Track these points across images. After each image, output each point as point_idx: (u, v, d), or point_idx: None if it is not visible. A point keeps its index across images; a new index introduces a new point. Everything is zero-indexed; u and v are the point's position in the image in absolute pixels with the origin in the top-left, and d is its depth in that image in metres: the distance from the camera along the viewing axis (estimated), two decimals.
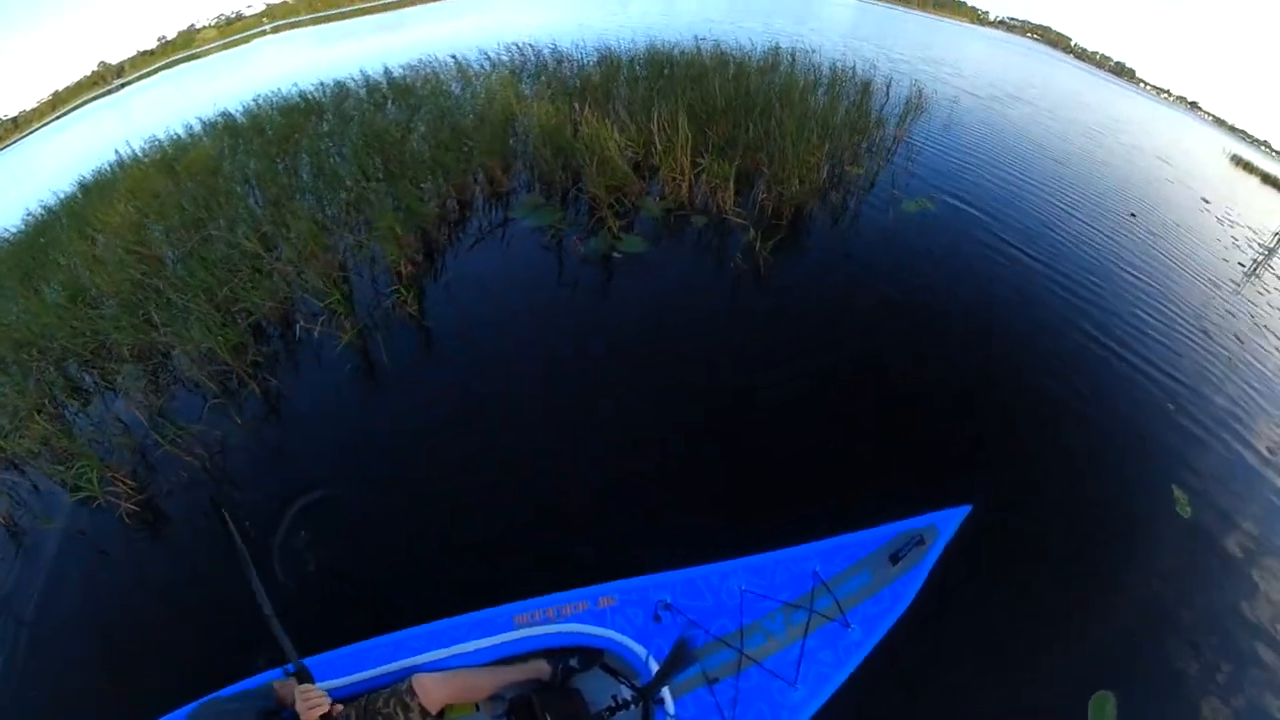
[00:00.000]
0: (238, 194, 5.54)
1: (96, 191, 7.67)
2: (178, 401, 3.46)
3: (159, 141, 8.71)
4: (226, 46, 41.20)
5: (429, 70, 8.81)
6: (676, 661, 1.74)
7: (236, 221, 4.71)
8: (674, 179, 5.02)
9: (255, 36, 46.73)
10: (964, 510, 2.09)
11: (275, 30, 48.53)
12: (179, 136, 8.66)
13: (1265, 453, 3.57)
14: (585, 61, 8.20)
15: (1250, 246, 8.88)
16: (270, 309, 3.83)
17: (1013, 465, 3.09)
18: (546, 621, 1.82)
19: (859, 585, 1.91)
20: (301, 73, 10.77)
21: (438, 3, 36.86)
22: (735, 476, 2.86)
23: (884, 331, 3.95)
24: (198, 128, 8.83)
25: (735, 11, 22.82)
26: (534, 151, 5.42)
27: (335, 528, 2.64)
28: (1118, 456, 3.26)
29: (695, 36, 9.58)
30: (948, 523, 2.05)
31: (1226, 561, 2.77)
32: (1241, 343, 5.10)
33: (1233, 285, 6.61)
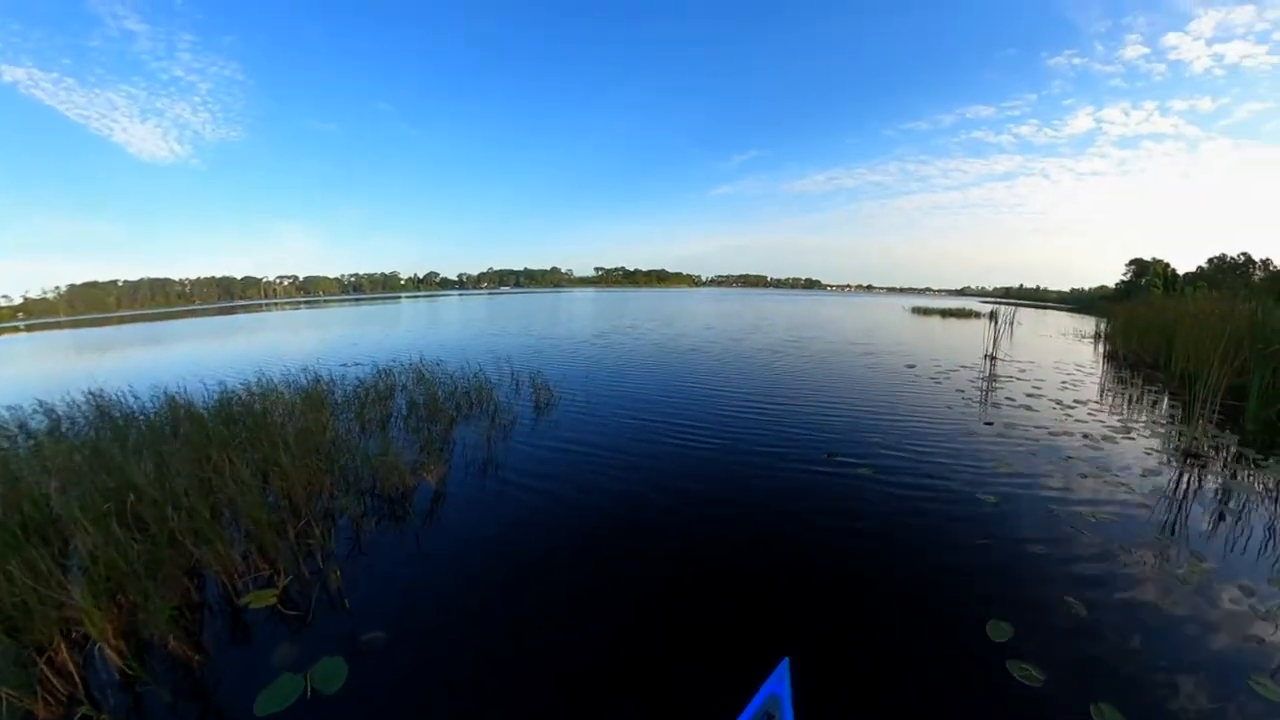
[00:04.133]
0: None
1: None
2: None
3: None
4: None
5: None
6: None
7: None
8: None
9: (7, 331, 41.49)
10: (785, 663, 2.00)
11: (29, 329, 43.40)
12: None
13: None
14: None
15: (972, 389, 7.76)
16: None
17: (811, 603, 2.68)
18: None
19: None
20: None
21: (209, 319, 36.25)
22: None
23: None
24: None
25: (505, 319, 22.93)
26: None
27: None
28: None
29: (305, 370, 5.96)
30: (780, 683, 1.93)
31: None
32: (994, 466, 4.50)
33: (987, 447, 4.63)
